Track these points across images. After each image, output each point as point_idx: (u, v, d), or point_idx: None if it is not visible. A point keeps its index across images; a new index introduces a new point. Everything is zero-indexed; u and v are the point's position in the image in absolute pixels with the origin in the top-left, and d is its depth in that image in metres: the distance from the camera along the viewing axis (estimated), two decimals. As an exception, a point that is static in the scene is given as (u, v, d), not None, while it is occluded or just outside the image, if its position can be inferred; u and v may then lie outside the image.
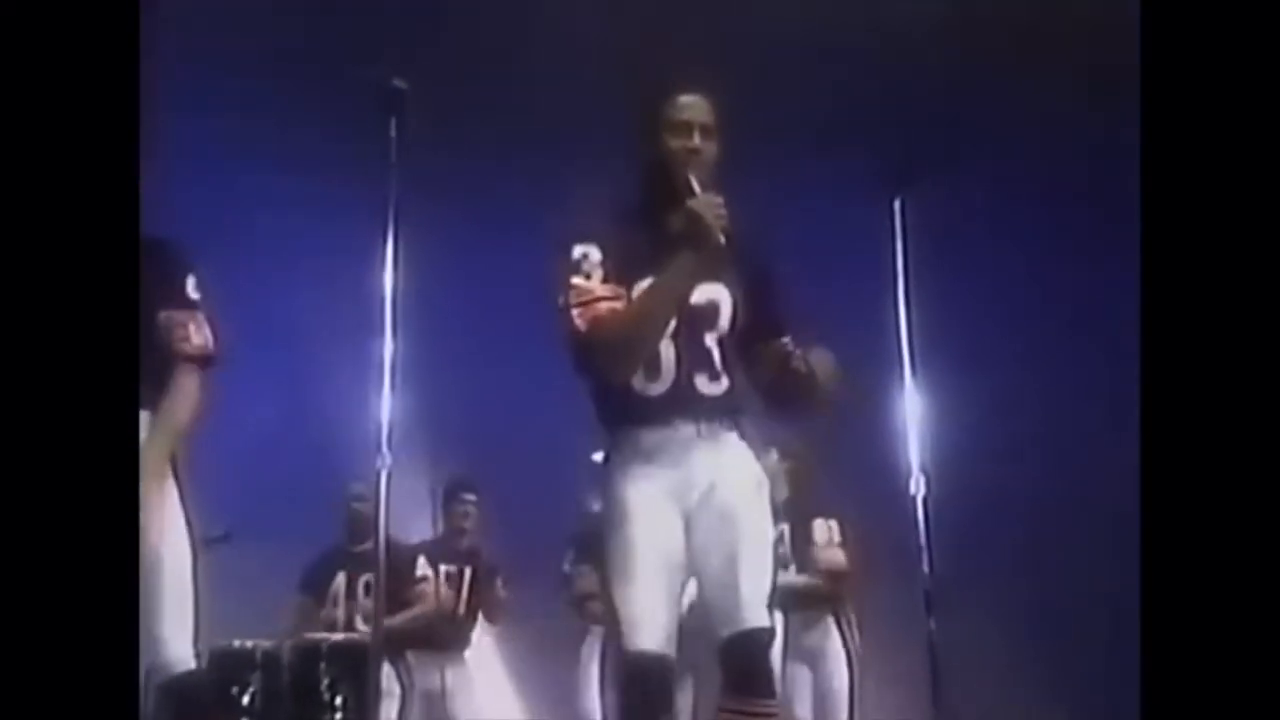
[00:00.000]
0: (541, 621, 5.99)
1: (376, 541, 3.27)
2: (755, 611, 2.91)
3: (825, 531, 5.51)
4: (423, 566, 5.59)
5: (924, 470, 3.65)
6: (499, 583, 5.86)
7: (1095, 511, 6.31)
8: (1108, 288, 6.29)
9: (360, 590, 5.42)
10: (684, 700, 5.18)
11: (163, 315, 3.22)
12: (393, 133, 3.40)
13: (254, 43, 6.07)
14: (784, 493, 5.65)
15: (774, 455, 5.56)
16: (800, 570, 5.54)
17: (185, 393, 3.23)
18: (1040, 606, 6.30)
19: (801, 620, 5.57)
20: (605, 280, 2.96)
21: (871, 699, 5.54)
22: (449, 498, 5.87)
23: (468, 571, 5.78)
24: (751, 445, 3.17)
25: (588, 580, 5.00)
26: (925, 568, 3.65)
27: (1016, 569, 6.26)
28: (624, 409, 3.03)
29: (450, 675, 5.66)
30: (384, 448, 3.30)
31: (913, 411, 3.71)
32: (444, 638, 5.66)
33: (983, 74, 6.09)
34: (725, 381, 3.05)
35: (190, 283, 3.33)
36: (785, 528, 5.57)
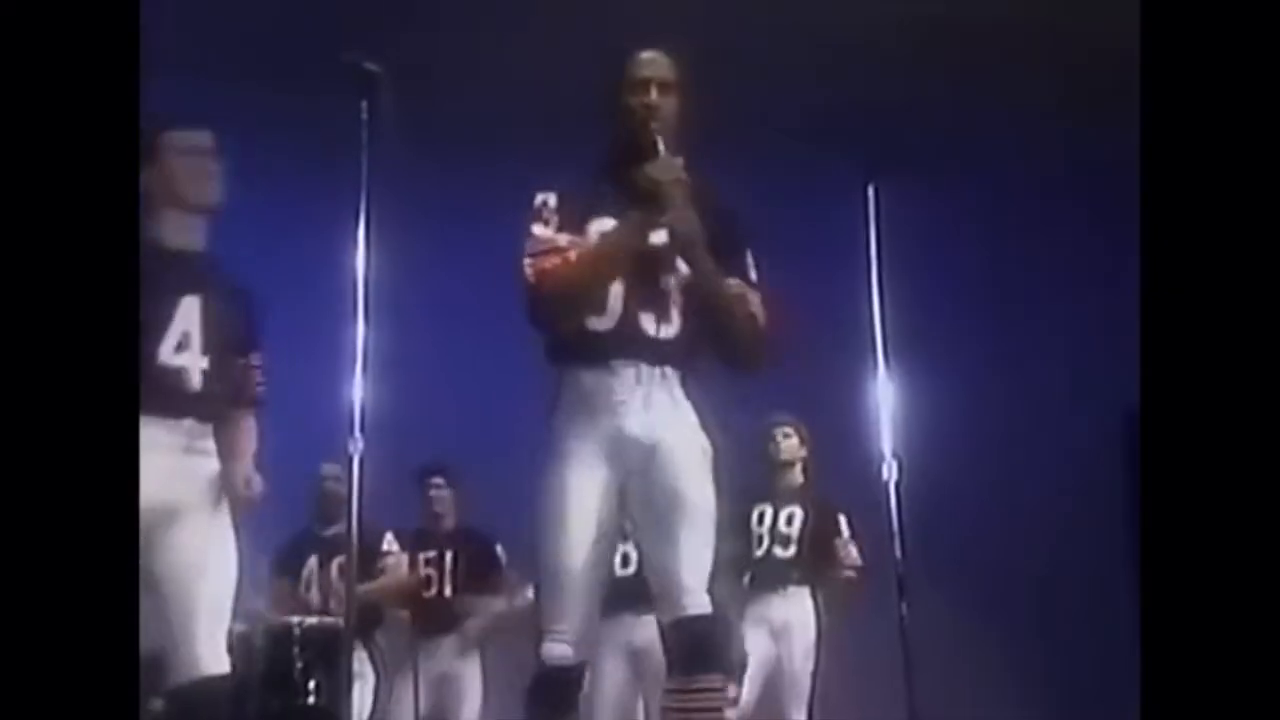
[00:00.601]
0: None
1: (349, 526, 3.27)
2: (696, 597, 2.91)
3: (846, 526, 5.53)
4: (389, 543, 5.57)
5: (896, 456, 3.66)
6: (498, 556, 5.80)
7: (1069, 497, 6.34)
8: (1084, 275, 6.33)
9: (334, 572, 5.41)
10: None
11: (249, 358, 3.39)
12: (364, 115, 3.38)
13: (223, 25, 6.03)
14: (797, 474, 5.68)
15: (794, 439, 5.59)
16: (799, 555, 5.53)
17: (252, 437, 3.40)
18: (1013, 592, 6.33)
19: (778, 596, 5.57)
20: (562, 228, 3.02)
21: (843, 684, 5.55)
22: (421, 484, 5.85)
23: (448, 556, 5.76)
24: (698, 409, 3.12)
25: None
26: (897, 552, 3.66)
27: (989, 554, 6.28)
28: (567, 344, 3.05)
29: (428, 659, 5.64)
30: (357, 432, 3.30)
31: (885, 397, 3.72)
32: (429, 622, 5.64)
33: (964, 61, 6.10)
34: (675, 326, 3.05)
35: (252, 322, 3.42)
36: (795, 510, 5.60)
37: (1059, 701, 6.13)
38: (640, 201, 3.01)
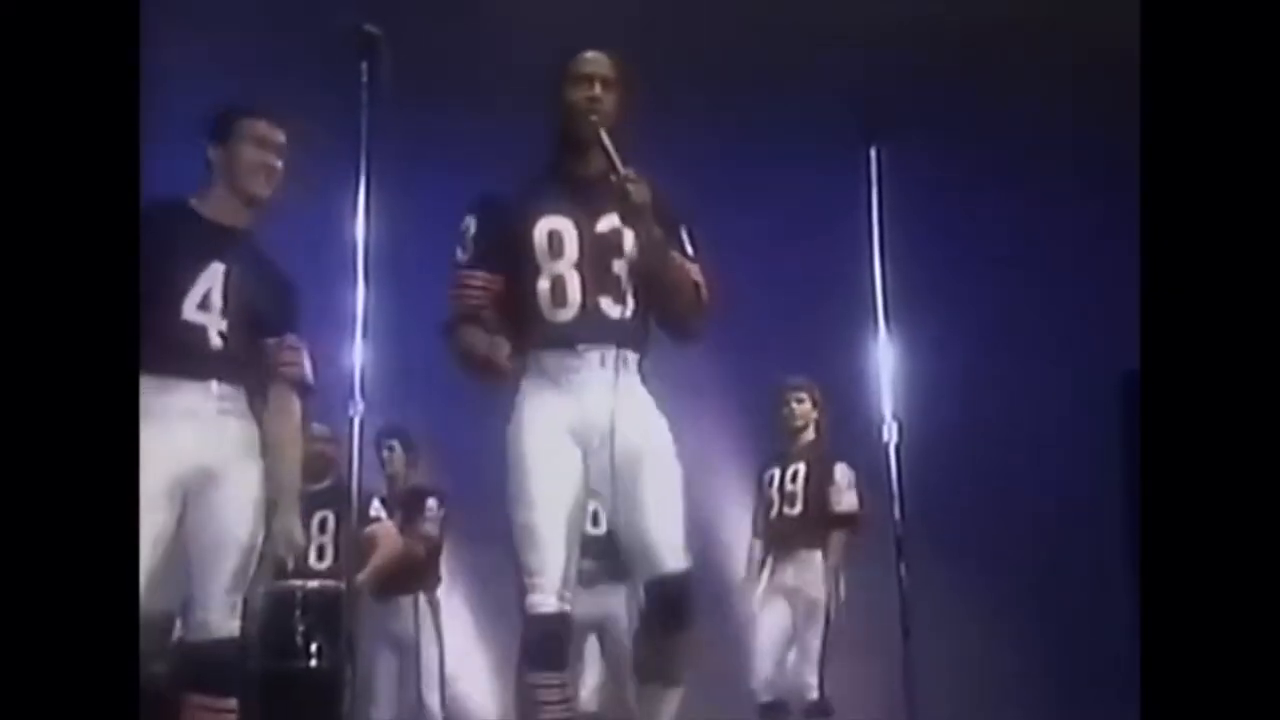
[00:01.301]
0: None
1: (349, 488, 3.29)
2: (672, 554, 3.08)
3: (846, 474, 5.57)
4: (376, 509, 5.59)
5: (896, 418, 3.67)
6: (431, 514, 5.81)
7: (1069, 460, 6.36)
8: (1086, 237, 6.31)
9: (315, 527, 5.43)
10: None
11: (281, 339, 3.40)
12: (364, 78, 3.37)
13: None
14: (809, 435, 5.71)
15: (806, 403, 5.62)
16: (806, 510, 5.57)
17: (297, 418, 3.43)
18: (1012, 553, 6.35)
19: (789, 558, 5.59)
20: (480, 257, 3.22)
21: (842, 643, 5.58)
22: (377, 447, 5.86)
23: (398, 514, 5.77)
24: (653, 392, 3.26)
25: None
26: (896, 514, 3.68)
27: (988, 516, 6.30)
28: (533, 334, 3.17)
29: (412, 617, 5.65)
30: (357, 395, 3.31)
31: (886, 359, 3.72)
32: (401, 581, 5.66)
33: (966, 22, 6.07)
34: (631, 304, 3.19)
35: (300, 315, 3.48)
36: (800, 467, 5.63)
37: (1058, 663, 6.16)
38: (585, 190, 3.19)
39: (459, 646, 6.10)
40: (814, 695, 5.42)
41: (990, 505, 6.32)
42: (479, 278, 3.22)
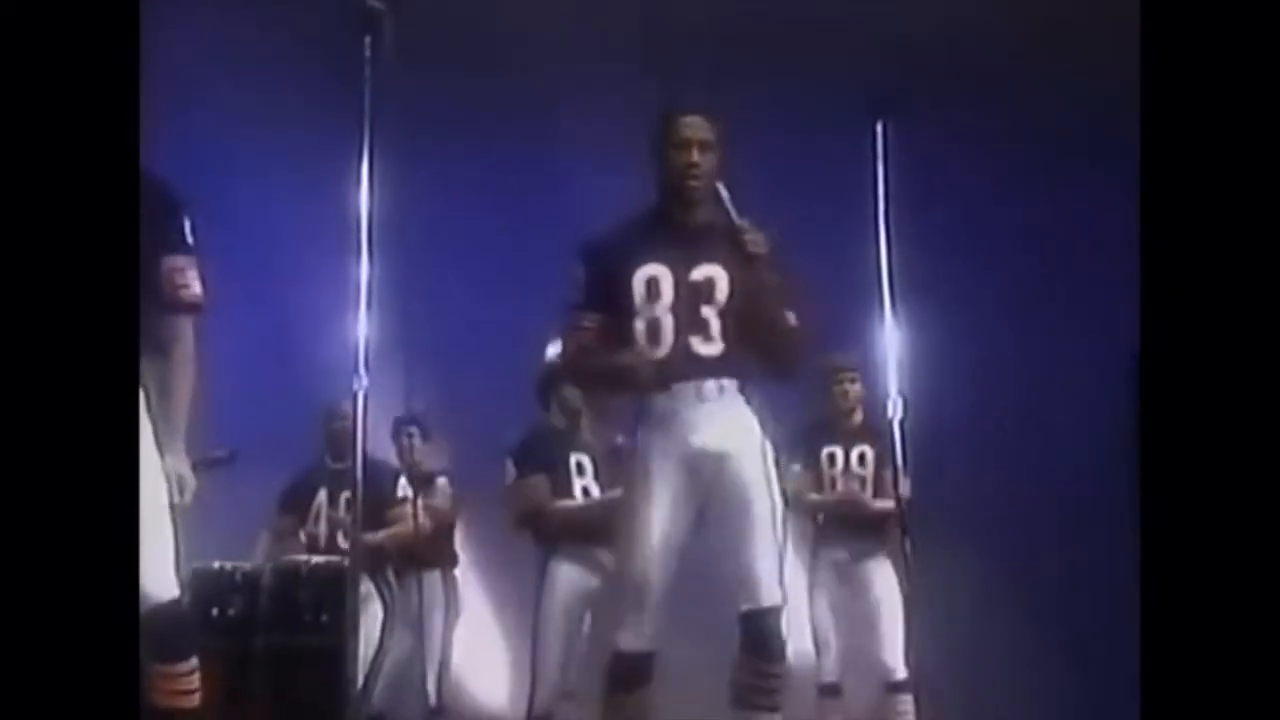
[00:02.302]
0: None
1: (355, 461, 3.27)
2: (769, 589, 3.30)
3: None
4: (403, 487, 5.59)
5: (901, 394, 3.67)
6: (442, 489, 5.84)
7: (1073, 435, 6.35)
8: (1092, 214, 6.29)
9: (342, 506, 5.43)
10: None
11: (164, 263, 3.16)
12: (368, 52, 3.36)
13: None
14: (859, 417, 5.63)
15: (858, 384, 5.55)
16: (876, 494, 5.55)
17: (189, 347, 3.22)
18: (1015, 529, 6.35)
19: (850, 540, 5.57)
20: (589, 301, 3.46)
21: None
22: (395, 434, 5.86)
23: (420, 496, 5.78)
24: (758, 413, 3.45)
25: (535, 491, 4.96)
26: (902, 490, 3.68)
27: (992, 492, 6.29)
28: (633, 375, 3.40)
29: (429, 592, 5.67)
30: (361, 369, 3.30)
31: (891, 336, 3.72)
32: (421, 557, 5.67)
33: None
34: (720, 345, 3.40)
35: (187, 227, 3.26)
36: (866, 450, 5.57)
37: (1060, 638, 6.17)
38: (684, 240, 3.45)
39: (471, 626, 6.10)
40: (902, 675, 5.24)
41: (995, 482, 6.31)
42: (590, 319, 3.46)
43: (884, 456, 5.42)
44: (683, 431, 3.36)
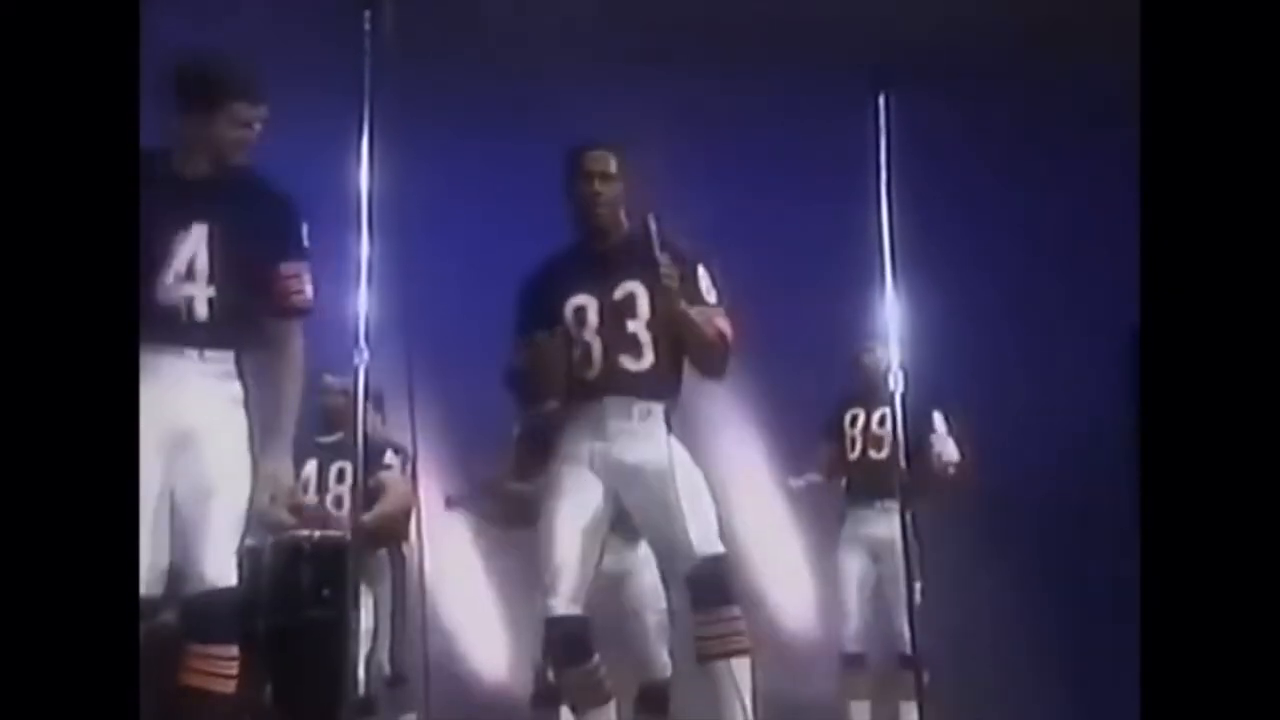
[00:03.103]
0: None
1: (355, 435, 3.30)
2: (708, 542, 3.52)
3: (944, 423, 5.49)
4: (389, 458, 5.61)
5: (903, 367, 3.67)
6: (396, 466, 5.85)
7: (1073, 408, 6.35)
8: (1094, 188, 6.28)
9: (331, 478, 5.44)
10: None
11: (282, 269, 3.32)
12: (367, 26, 3.35)
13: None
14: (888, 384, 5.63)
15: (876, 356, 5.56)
16: (893, 455, 5.57)
17: (298, 348, 3.38)
18: (1016, 501, 6.36)
19: (872, 505, 5.59)
20: (525, 332, 3.72)
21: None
22: (378, 408, 5.84)
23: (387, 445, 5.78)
24: (679, 438, 3.68)
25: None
26: (902, 462, 3.69)
27: (993, 464, 6.30)
28: (571, 391, 3.69)
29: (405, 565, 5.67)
30: (361, 343, 3.31)
31: (892, 309, 3.72)
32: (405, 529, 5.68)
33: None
34: (649, 358, 3.65)
35: (304, 233, 3.40)
36: (887, 411, 5.56)
37: (1061, 612, 6.18)
38: (603, 265, 3.72)
39: (452, 598, 6.11)
40: (906, 647, 5.38)
41: (997, 455, 6.32)
42: (527, 342, 3.71)
43: (918, 419, 5.45)
44: (602, 437, 3.64)
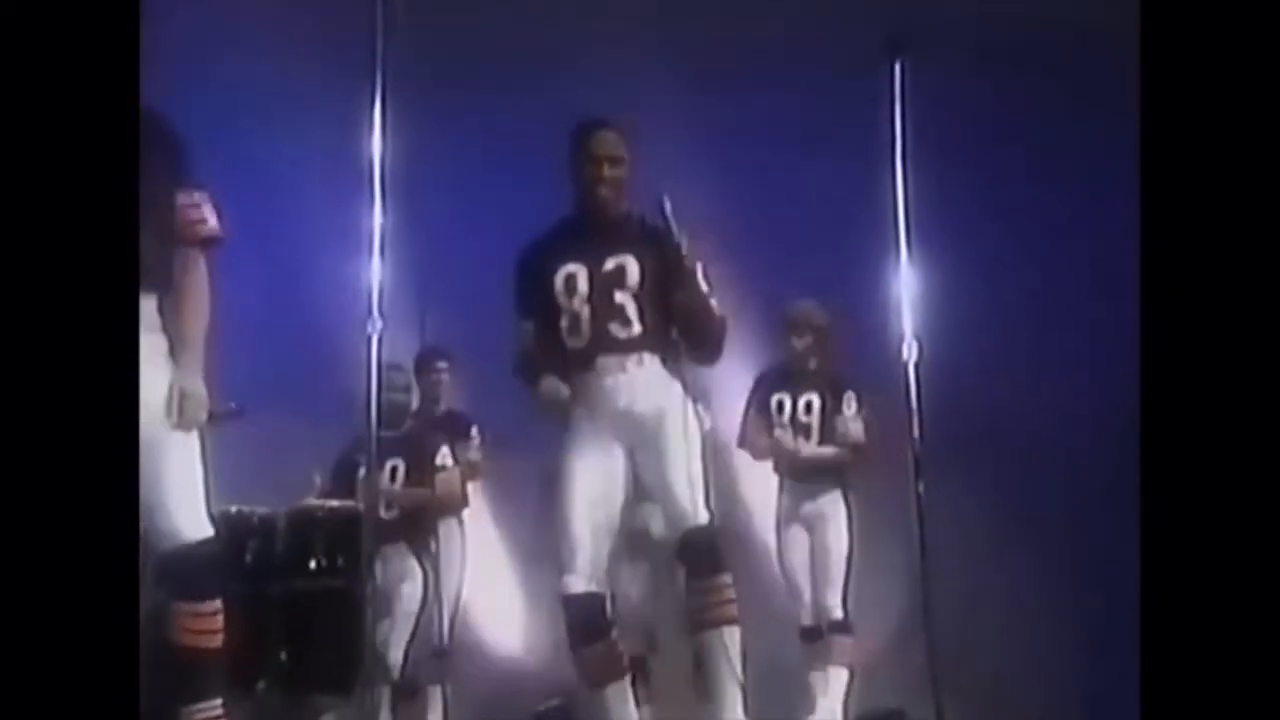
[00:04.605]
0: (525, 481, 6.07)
1: (369, 404, 3.30)
2: (696, 511, 3.55)
3: (853, 404, 5.55)
4: (444, 456, 5.63)
5: (916, 337, 3.66)
6: (475, 442, 5.90)
7: (1085, 381, 6.34)
8: (1109, 162, 6.24)
9: (386, 476, 5.47)
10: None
11: (178, 197, 3.18)
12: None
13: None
14: (813, 364, 5.68)
15: (807, 335, 5.59)
16: (821, 442, 5.64)
17: (201, 277, 3.23)
18: (1027, 473, 6.35)
19: (808, 489, 5.66)
20: (523, 307, 3.79)
21: (862, 563, 5.62)
22: (421, 368, 5.87)
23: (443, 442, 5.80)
24: (673, 371, 3.71)
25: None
26: (915, 433, 3.68)
27: (1005, 436, 6.30)
28: (565, 364, 3.71)
29: (444, 536, 5.70)
30: (375, 313, 3.31)
31: (907, 279, 3.71)
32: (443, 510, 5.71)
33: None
34: (637, 328, 3.68)
35: (193, 163, 3.26)
36: (813, 398, 5.63)
37: (1071, 581, 6.18)
38: (595, 236, 3.74)
39: (479, 570, 6.14)
40: (839, 615, 5.49)
41: (1008, 426, 6.32)
42: (524, 325, 3.76)
43: (833, 405, 5.53)
44: (608, 397, 3.66)
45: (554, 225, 3.83)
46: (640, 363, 3.69)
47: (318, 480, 5.30)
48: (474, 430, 5.94)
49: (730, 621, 3.52)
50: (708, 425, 5.35)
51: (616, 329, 3.69)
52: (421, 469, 5.56)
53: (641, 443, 3.65)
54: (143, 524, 2.91)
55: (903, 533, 3.76)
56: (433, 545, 5.63)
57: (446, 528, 5.76)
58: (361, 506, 4.70)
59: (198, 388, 3.17)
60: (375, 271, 3.35)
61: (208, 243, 3.23)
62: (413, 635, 5.51)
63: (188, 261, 3.21)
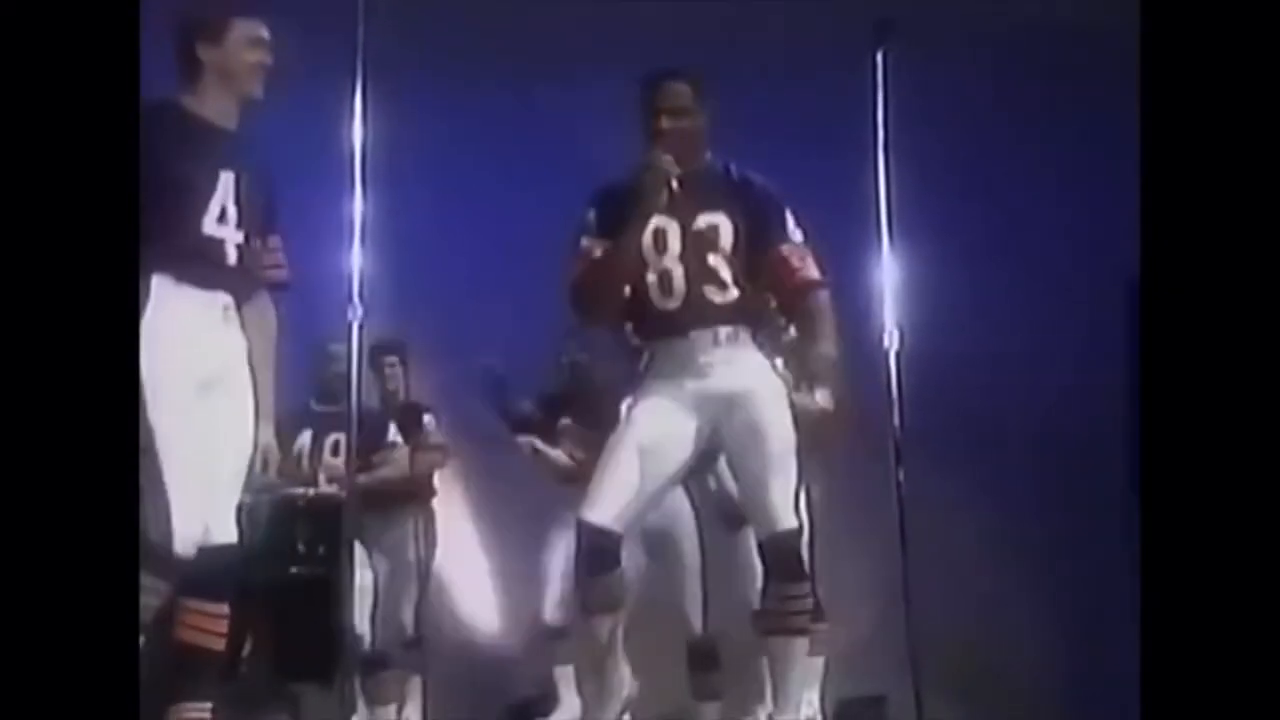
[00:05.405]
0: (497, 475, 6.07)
1: (349, 392, 3.30)
2: (785, 514, 3.44)
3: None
4: (393, 433, 5.59)
5: (899, 326, 3.67)
6: (430, 429, 5.84)
7: (1069, 368, 6.36)
8: (1093, 153, 6.26)
9: (326, 450, 5.43)
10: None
11: (267, 241, 3.33)
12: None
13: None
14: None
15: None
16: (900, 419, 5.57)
17: (273, 324, 3.37)
18: (1010, 461, 6.38)
19: None
20: (604, 234, 3.53)
21: (842, 550, 5.62)
22: (373, 362, 5.80)
23: (394, 430, 5.77)
24: (769, 356, 3.59)
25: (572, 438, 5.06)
26: (896, 421, 3.69)
27: (987, 424, 6.32)
28: (653, 324, 3.55)
29: (408, 526, 5.67)
30: (355, 300, 3.31)
31: (889, 267, 3.72)
32: (404, 496, 5.67)
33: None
34: (734, 292, 3.50)
35: (278, 206, 3.38)
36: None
37: (1056, 569, 6.21)
38: (684, 192, 3.52)
39: (449, 559, 6.12)
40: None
41: (990, 413, 6.33)
42: (600, 247, 3.53)
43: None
44: (694, 373, 3.49)
45: (636, 173, 3.57)
46: (735, 339, 3.52)
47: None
48: (428, 418, 5.80)
49: (803, 632, 3.52)
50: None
51: (712, 292, 3.51)
52: (369, 446, 5.35)
53: (731, 427, 3.49)
54: (172, 521, 3.02)
55: (883, 521, 3.78)
56: (404, 531, 5.59)
57: (405, 513, 5.71)
58: (344, 495, 4.70)
59: (275, 446, 3.37)
60: (356, 259, 3.35)
61: (277, 287, 3.37)
62: (372, 622, 5.44)
63: (264, 304, 3.35)
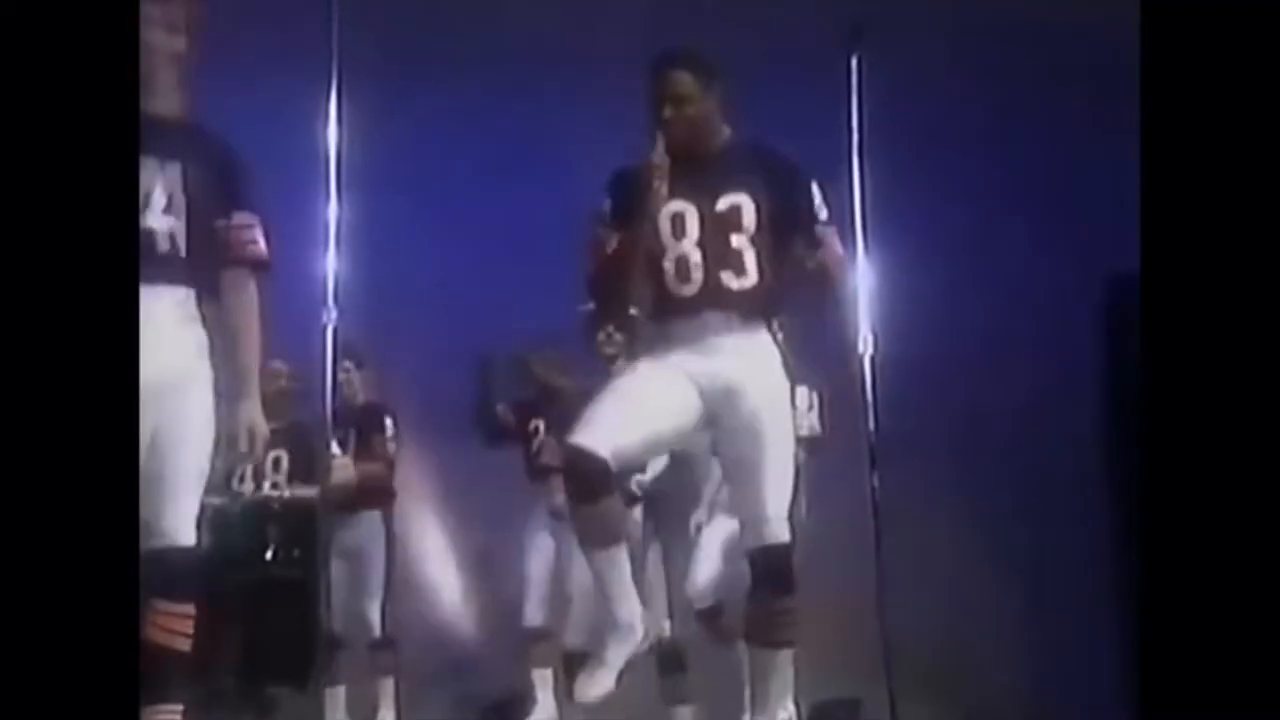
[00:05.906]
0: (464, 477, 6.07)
1: (324, 395, 3.28)
2: (778, 526, 3.30)
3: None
4: (334, 450, 5.53)
5: (873, 330, 3.68)
6: (389, 434, 5.73)
7: (1045, 373, 6.39)
8: (1070, 154, 6.30)
9: (269, 466, 5.36)
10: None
11: (233, 218, 3.24)
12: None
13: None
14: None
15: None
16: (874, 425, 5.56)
17: (253, 300, 3.28)
18: (985, 465, 6.40)
19: None
20: (618, 225, 3.38)
21: (815, 555, 5.63)
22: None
23: (352, 434, 5.74)
24: (782, 350, 3.42)
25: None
26: (870, 425, 3.70)
27: (963, 428, 6.34)
28: (666, 308, 3.38)
29: (367, 528, 5.65)
30: (330, 303, 3.29)
31: (864, 271, 3.73)
32: (357, 500, 5.65)
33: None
34: (754, 277, 3.34)
35: (253, 188, 3.30)
36: None
37: (1026, 571, 6.24)
38: (704, 173, 3.36)
39: (410, 561, 6.10)
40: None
41: (965, 417, 6.36)
42: (615, 237, 3.38)
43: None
44: (702, 350, 3.33)
45: (652, 158, 3.42)
46: (749, 326, 3.37)
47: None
48: (387, 420, 5.76)
49: (788, 645, 3.41)
50: (807, 428, 5.41)
51: (730, 279, 3.34)
52: (309, 460, 5.23)
53: (729, 421, 3.34)
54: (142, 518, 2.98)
55: (857, 523, 3.79)
56: (363, 533, 5.57)
57: (360, 519, 5.68)
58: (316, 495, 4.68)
59: (261, 422, 3.28)
60: (330, 262, 3.34)
61: (257, 266, 3.28)
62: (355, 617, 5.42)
63: (239, 282, 3.26)
